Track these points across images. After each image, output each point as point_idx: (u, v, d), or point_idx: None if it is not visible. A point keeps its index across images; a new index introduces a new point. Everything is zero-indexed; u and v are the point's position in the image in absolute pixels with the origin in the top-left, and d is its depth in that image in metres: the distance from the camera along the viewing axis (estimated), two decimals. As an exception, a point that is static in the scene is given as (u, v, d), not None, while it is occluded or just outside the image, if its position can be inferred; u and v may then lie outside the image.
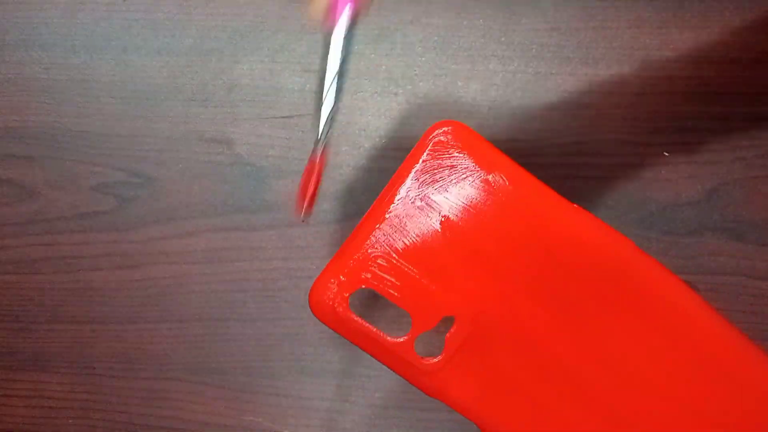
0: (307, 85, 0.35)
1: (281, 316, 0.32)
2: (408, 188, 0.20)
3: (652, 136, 0.33)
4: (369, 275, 0.20)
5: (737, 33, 0.35)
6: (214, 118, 0.35)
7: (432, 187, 0.20)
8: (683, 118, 0.33)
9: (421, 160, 0.20)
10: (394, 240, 0.20)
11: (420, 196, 0.20)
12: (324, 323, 0.21)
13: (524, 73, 0.35)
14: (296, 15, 0.37)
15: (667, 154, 0.33)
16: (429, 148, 0.20)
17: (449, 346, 0.20)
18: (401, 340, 0.20)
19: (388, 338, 0.20)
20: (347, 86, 0.35)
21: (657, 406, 0.21)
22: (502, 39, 0.35)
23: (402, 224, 0.20)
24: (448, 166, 0.20)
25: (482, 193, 0.20)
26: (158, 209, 0.34)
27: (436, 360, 0.21)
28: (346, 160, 0.34)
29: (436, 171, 0.20)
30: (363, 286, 0.20)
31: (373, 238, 0.20)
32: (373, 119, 0.35)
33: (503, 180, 0.20)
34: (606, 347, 0.21)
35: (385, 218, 0.20)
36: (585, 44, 0.35)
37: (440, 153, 0.20)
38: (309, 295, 0.20)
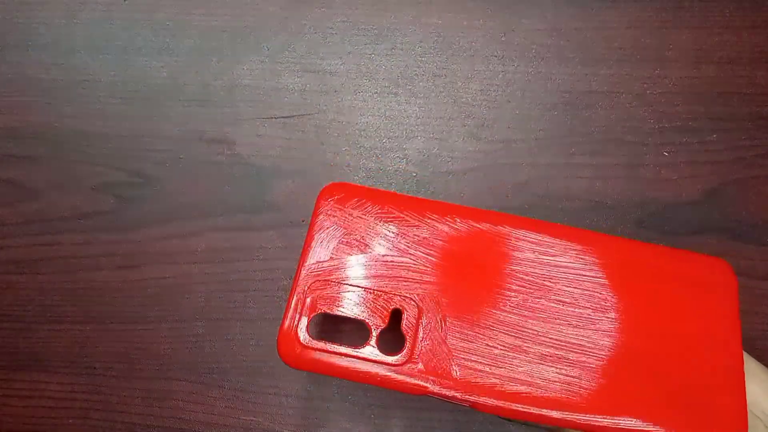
0: (308, 85, 0.35)
1: (281, 316, 0.32)
2: (321, 228, 0.26)
3: (652, 136, 0.33)
4: (316, 305, 0.24)
5: (737, 33, 0.35)
6: (215, 118, 0.35)
7: (339, 223, 0.26)
8: (683, 118, 0.33)
9: (327, 206, 0.26)
10: (325, 268, 0.25)
11: (334, 231, 0.25)
12: (299, 368, 0.24)
13: (524, 73, 0.35)
14: (296, 15, 0.37)
15: (667, 154, 0.33)
16: (324, 203, 0.26)
17: (407, 335, 0.24)
18: (365, 346, 0.23)
19: (354, 350, 0.23)
20: (347, 86, 0.35)
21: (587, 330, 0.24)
22: (502, 39, 0.35)
23: (328, 254, 0.25)
24: (347, 211, 0.26)
25: (381, 221, 0.26)
26: (158, 209, 0.34)
27: (402, 353, 0.23)
28: (346, 160, 0.34)
29: (338, 213, 0.26)
30: (316, 312, 0.24)
31: (306, 274, 0.25)
32: (373, 119, 0.35)
33: (393, 203, 0.26)
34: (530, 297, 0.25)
35: (313, 254, 0.25)
36: (585, 44, 0.35)
37: (338, 202, 0.26)
38: (278, 351, 0.24)
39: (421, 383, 0.23)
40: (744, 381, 0.23)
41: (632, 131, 0.33)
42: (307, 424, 0.31)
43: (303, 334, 0.24)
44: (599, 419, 0.23)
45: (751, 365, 0.24)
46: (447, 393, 0.23)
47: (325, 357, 0.23)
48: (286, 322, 0.24)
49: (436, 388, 0.23)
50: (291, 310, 0.24)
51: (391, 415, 0.31)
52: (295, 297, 0.24)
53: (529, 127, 0.34)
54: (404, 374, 0.23)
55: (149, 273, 0.33)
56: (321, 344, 0.23)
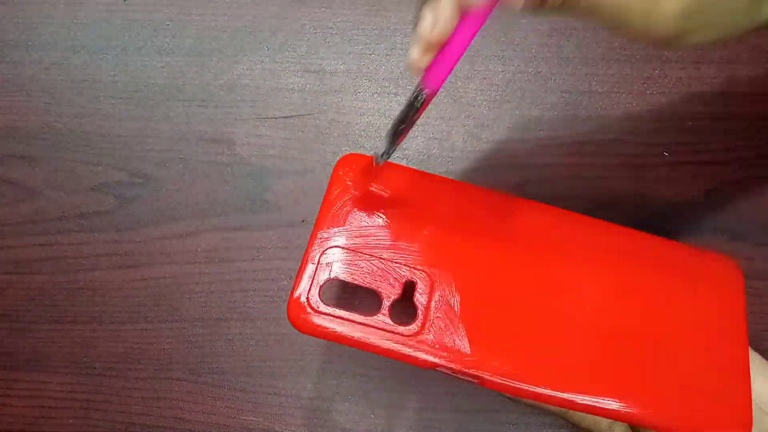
0: (307, 85, 0.35)
1: (281, 316, 0.32)
2: (336, 197, 0.25)
3: (652, 136, 0.33)
4: (329, 270, 0.24)
5: (737, 33, 0.35)
6: (214, 118, 0.35)
7: (354, 193, 0.25)
8: (683, 118, 0.33)
9: (339, 176, 0.26)
10: (339, 236, 0.24)
11: (349, 200, 0.25)
12: (309, 333, 0.23)
13: (524, 73, 0.35)
14: (296, 15, 0.37)
15: (667, 154, 0.33)
16: (340, 173, 0.26)
17: (418, 307, 0.23)
18: (377, 314, 0.23)
19: (366, 318, 0.23)
20: (347, 86, 0.35)
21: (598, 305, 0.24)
22: (502, 39, 0.35)
23: (342, 222, 0.25)
24: (362, 182, 0.26)
25: (396, 194, 0.26)
26: (158, 209, 0.34)
27: (414, 324, 0.23)
28: (346, 160, 0.34)
29: (353, 183, 0.26)
30: (328, 277, 0.23)
31: (320, 240, 0.24)
32: (373, 119, 0.35)
33: (406, 177, 0.26)
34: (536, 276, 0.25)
35: (327, 221, 0.25)
36: (585, 44, 0.35)
37: (353, 173, 0.26)
38: (288, 315, 0.23)
39: (431, 356, 0.23)
40: (750, 375, 0.23)
41: (632, 131, 0.33)
42: (307, 424, 0.31)
43: (315, 299, 0.23)
44: (604, 402, 0.23)
45: (756, 360, 0.24)
46: (456, 367, 0.23)
47: (335, 323, 0.23)
48: (298, 286, 0.23)
49: (445, 362, 0.23)
50: (303, 275, 0.23)
51: (391, 416, 0.31)
52: (308, 262, 0.24)
53: (529, 127, 0.34)
54: (414, 346, 0.23)
55: (149, 273, 0.33)
56: (332, 309, 0.23)
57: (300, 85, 0.35)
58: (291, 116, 0.35)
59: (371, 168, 0.25)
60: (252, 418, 0.31)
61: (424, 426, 0.30)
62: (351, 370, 0.31)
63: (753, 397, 0.23)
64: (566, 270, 0.25)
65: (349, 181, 0.25)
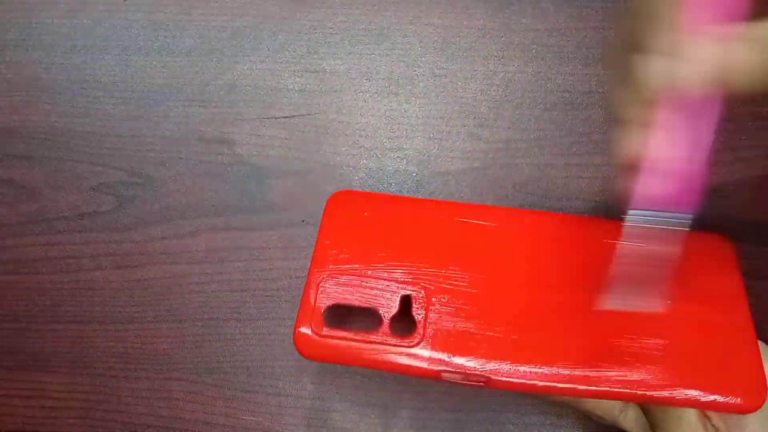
0: (308, 85, 0.35)
1: (281, 316, 0.32)
2: (331, 227, 0.27)
3: (652, 136, 0.33)
4: (329, 296, 0.25)
5: (737, 33, 0.35)
6: (214, 118, 0.35)
7: (347, 223, 0.27)
8: (683, 118, 0.33)
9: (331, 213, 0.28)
10: (336, 263, 0.26)
11: (343, 229, 0.27)
12: (316, 359, 0.24)
13: (524, 73, 0.35)
14: (296, 15, 0.37)
15: (667, 154, 0.33)
16: (333, 207, 0.28)
17: (417, 318, 0.24)
18: (378, 330, 0.24)
19: (368, 335, 0.24)
20: (347, 86, 0.35)
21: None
22: (502, 39, 0.35)
23: (339, 249, 0.26)
24: (354, 213, 0.28)
25: (385, 219, 0.27)
26: (158, 209, 0.34)
27: (413, 336, 0.24)
28: (346, 160, 0.34)
29: (346, 214, 0.27)
30: (330, 304, 0.25)
31: (318, 269, 0.26)
32: (373, 119, 0.35)
33: (395, 203, 0.28)
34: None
35: (324, 250, 0.26)
36: (585, 44, 0.35)
37: (345, 206, 0.28)
38: (295, 344, 0.24)
39: (434, 366, 0.23)
40: (757, 341, 0.24)
41: (632, 131, 0.33)
42: (307, 424, 0.31)
43: (318, 325, 0.24)
44: (614, 389, 0.23)
45: (765, 350, 0.24)
46: (460, 371, 0.23)
47: (340, 345, 0.24)
48: (302, 315, 0.25)
49: (449, 368, 0.23)
50: (306, 303, 0.25)
51: (392, 416, 0.31)
52: (310, 290, 0.25)
53: (529, 127, 0.34)
54: (417, 357, 0.24)
55: (149, 273, 0.33)
56: (335, 332, 0.24)
57: (300, 85, 0.35)
58: (291, 116, 0.35)
59: (361, 199, 0.28)
60: (252, 418, 0.31)
61: (423, 425, 0.30)
62: (350, 370, 0.31)
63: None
64: (560, 264, 0.26)
65: (342, 214, 0.27)
